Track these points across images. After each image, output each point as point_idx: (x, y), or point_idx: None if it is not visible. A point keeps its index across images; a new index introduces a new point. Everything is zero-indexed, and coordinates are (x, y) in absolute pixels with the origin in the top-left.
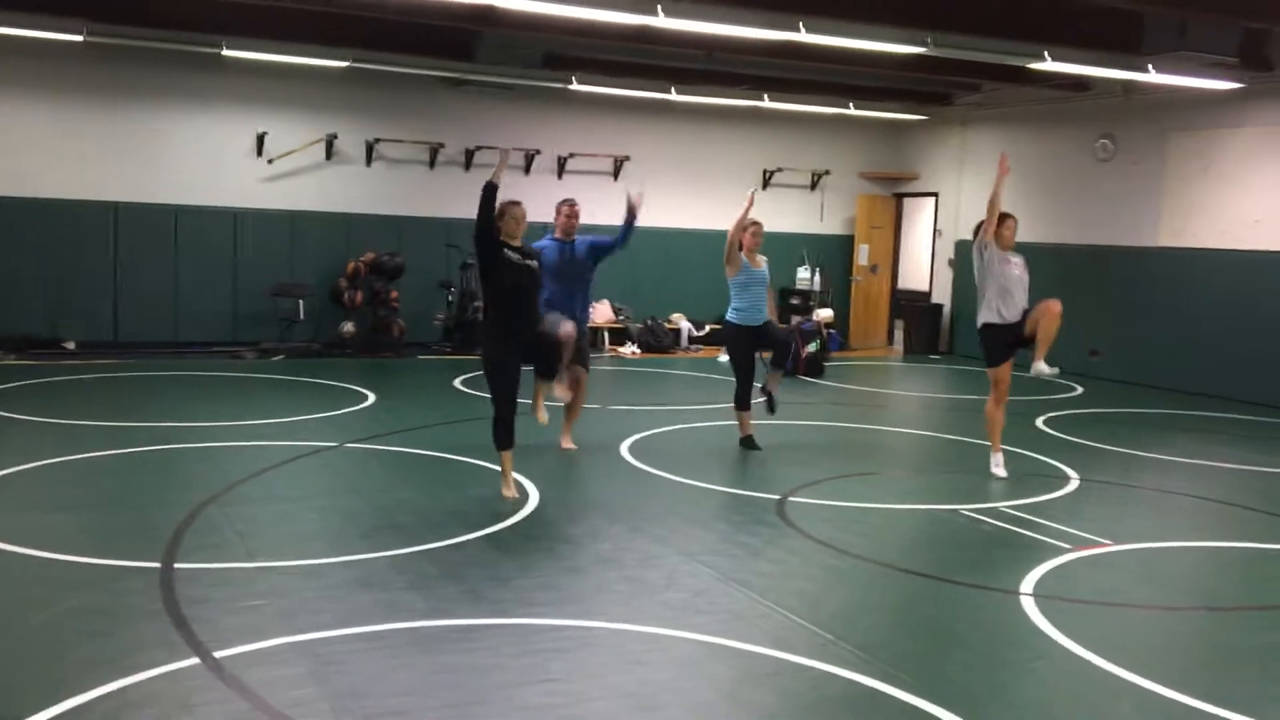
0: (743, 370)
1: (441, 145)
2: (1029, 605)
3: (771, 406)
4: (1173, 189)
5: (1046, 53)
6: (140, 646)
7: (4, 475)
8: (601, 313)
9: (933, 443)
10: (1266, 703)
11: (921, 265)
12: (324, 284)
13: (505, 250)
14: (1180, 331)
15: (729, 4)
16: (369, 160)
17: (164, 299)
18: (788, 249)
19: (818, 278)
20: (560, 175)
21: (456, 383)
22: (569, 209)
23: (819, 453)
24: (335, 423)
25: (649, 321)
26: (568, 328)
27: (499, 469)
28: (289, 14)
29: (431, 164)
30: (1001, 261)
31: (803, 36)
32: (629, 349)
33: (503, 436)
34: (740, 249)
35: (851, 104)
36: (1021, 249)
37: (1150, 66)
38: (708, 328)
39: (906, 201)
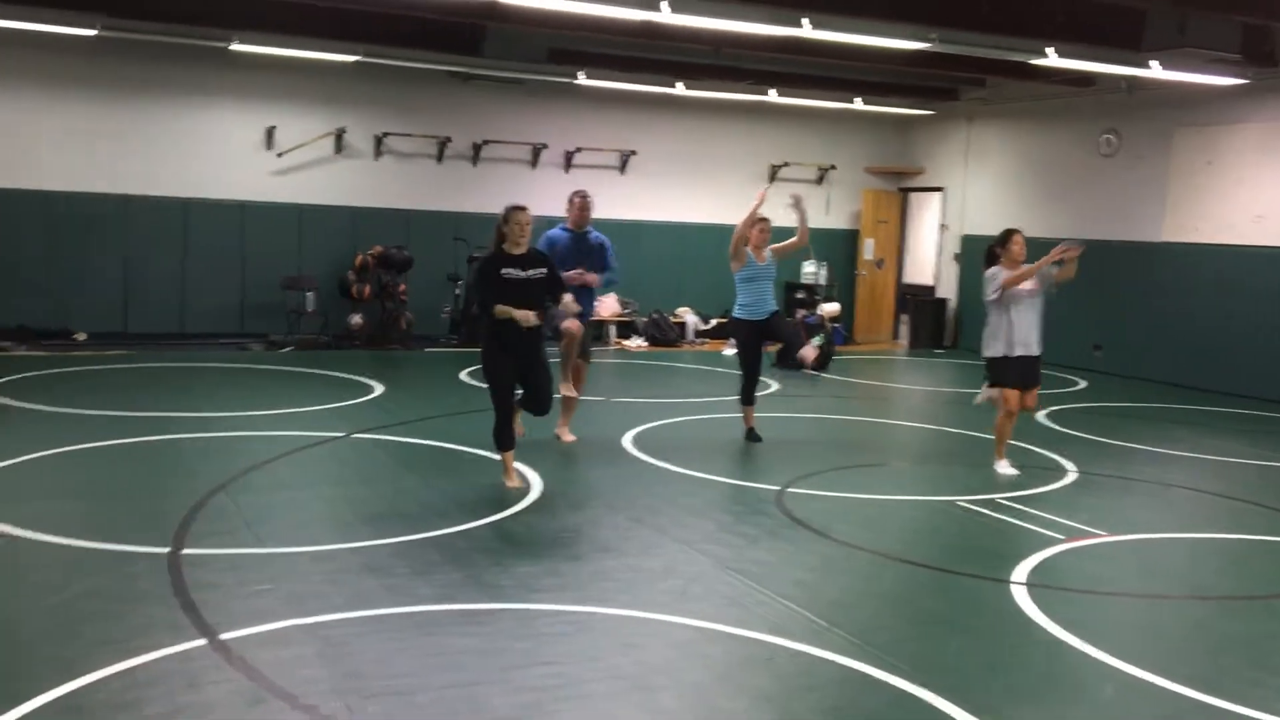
0: (750, 366)
1: (449, 139)
2: (1020, 594)
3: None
4: (1177, 184)
5: (1049, 48)
6: (149, 628)
7: (17, 463)
8: (608, 306)
9: (933, 435)
10: (1247, 687)
11: (927, 260)
12: (332, 277)
13: (504, 271)
14: (1183, 326)
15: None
16: (377, 154)
17: (173, 291)
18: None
19: (823, 272)
20: (568, 169)
21: (462, 375)
22: (581, 200)
23: (820, 445)
24: (342, 414)
25: (655, 315)
26: (570, 324)
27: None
28: (298, 9)
29: (439, 158)
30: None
31: (807, 32)
32: (635, 342)
33: (504, 440)
34: (747, 244)
35: (858, 99)
36: (1027, 244)
37: (1154, 62)
38: (714, 321)
39: (912, 196)
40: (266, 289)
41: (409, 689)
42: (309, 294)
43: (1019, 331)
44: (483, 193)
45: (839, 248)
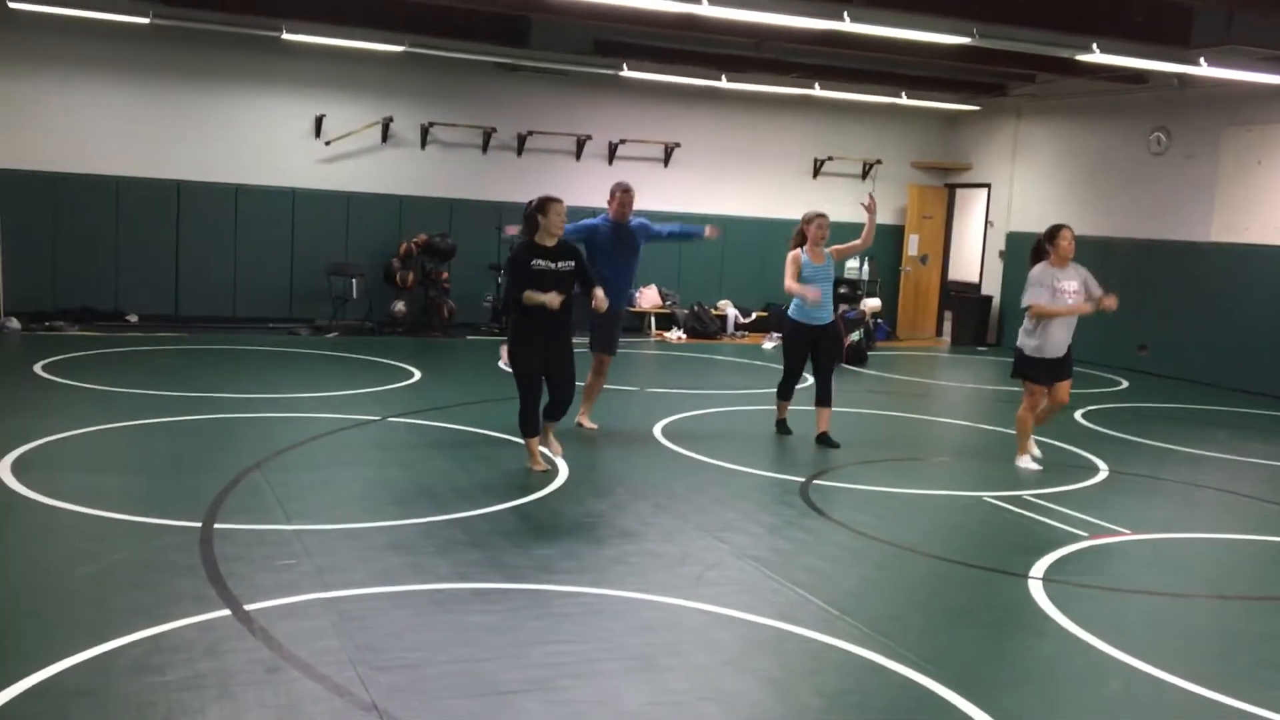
0: (793, 366)
1: (494, 130)
2: (1036, 589)
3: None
4: (1227, 183)
5: (1095, 44)
6: (177, 598)
7: (61, 439)
8: (649, 297)
9: (966, 431)
10: (1258, 687)
11: (972, 256)
12: (377, 264)
13: (534, 262)
14: (1230, 327)
15: None
16: (423, 143)
17: (223, 275)
18: (837, 238)
19: (866, 267)
20: (611, 161)
21: (501, 363)
22: (623, 195)
23: (851, 439)
24: (380, 398)
25: (696, 307)
26: (599, 303)
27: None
28: None
29: (484, 148)
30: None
31: (847, 26)
32: (675, 334)
33: (529, 426)
34: (802, 245)
35: (904, 93)
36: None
37: (1202, 60)
38: (754, 314)
39: (959, 192)
40: (314, 275)
41: (421, 662)
42: (354, 280)
43: (1055, 337)
44: (526, 183)
45: (884, 243)
